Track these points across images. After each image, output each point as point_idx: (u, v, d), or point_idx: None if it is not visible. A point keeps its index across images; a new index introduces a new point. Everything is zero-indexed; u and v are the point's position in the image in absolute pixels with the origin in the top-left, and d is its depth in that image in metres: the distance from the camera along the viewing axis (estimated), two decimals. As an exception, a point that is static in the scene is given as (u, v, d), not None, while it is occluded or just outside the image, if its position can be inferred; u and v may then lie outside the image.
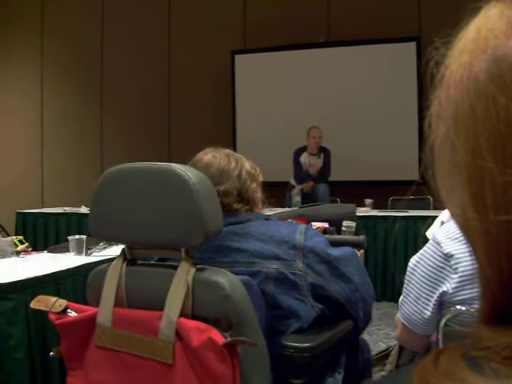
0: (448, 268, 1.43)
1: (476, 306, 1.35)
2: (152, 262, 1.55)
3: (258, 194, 1.66)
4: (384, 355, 2.22)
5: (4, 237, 3.54)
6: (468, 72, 0.35)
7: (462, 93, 0.36)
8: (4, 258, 2.69)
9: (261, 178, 1.71)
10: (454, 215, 0.38)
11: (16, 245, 2.89)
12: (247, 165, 1.65)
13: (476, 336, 0.36)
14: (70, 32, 8.01)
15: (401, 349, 1.98)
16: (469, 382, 0.32)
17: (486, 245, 0.35)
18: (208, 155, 1.62)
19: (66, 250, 2.85)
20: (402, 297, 1.58)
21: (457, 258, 1.40)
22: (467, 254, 1.35)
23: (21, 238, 3.10)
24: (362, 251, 2.00)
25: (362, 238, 1.96)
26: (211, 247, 1.50)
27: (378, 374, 2.18)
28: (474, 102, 0.35)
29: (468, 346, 0.35)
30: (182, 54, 7.60)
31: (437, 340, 1.47)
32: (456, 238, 1.39)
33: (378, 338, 3.92)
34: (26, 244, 3.03)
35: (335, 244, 1.85)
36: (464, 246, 1.37)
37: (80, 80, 8.05)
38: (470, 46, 0.36)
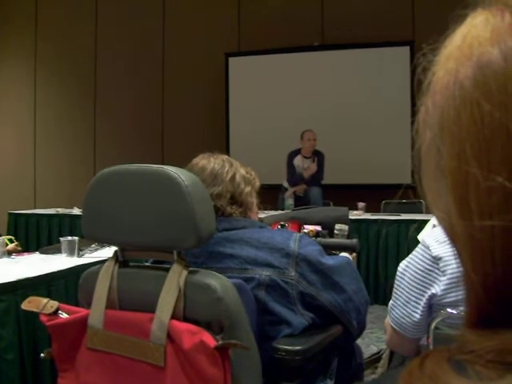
0: (437, 271, 1.44)
1: (463, 308, 1.35)
2: (145, 264, 1.54)
3: (253, 199, 1.66)
4: (375, 358, 2.23)
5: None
6: (454, 78, 0.36)
7: (447, 99, 0.36)
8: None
9: (257, 184, 1.71)
10: (439, 219, 0.38)
11: (7, 244, 2.88)
12: (242, 170, 1.66)
13: (461, 339, 0.36)
14: (64, 35, 7.99)
15: (392, 352, 1.98)
16: None
17: (470, 249, 0.35)
18: (204, 160, 1.64)
19: (58, 251, 2.84)
20: (391, 301, 1.59)
21: (445, 261, 1.41)
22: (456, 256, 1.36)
23: (11, 237, 3.09)
24: (354, 254, 2.01)
25: (354, 241, 1.96)
26: (204, 253, 1.51)
27: (369, 377, 2.18)
28: (459, 107, 0.35)
29: (454, 349, 0.36)
30: (176, 56, 7.59)
31: (427, 343, 1.48)
32: (445, 241, 1.40)
33: (370, 341, 3.92)
34: (16, 243, 3.02)
35: (328, 247, 1.86)
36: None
37: (73, 82, 8.03)
38: (455, 53, 0.37)
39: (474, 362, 0.33)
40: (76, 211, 5.95)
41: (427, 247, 1.45)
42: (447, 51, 0.38)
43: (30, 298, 1.44)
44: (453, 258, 1.38)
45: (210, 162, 1.62)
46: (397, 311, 1.55)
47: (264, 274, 1.48)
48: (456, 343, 0.36)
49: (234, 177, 1.61)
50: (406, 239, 4.93)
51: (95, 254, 2.87)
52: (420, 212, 5.24)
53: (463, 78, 0.35)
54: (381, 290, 5.08)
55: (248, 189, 1.64)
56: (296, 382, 1.50)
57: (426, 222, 1.92)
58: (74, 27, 7.95)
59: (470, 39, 0.36)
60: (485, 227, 0.34)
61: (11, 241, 2.96)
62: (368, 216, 5.45)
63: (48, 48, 8.07)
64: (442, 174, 0.36)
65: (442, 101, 0.37)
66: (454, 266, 1.39)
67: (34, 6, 8.16)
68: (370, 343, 3.86)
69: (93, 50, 7.95)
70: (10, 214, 6.30)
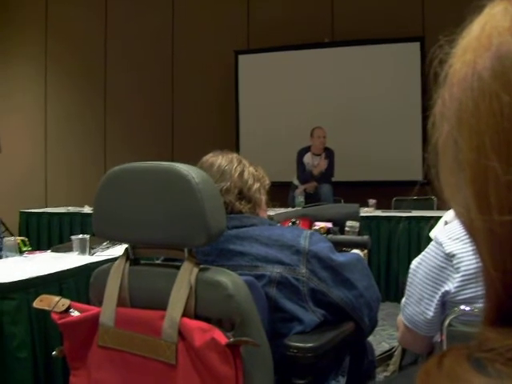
0: (450, 268, 1.43)
1: (478, 304, 1.35)
2: (156, 262, 1.54)
3: (262, 196, 1.66)
4: (387, 356, 2.22)
5: (7, 237, 3.54)
6: (472, 70, 0.35)
7: (465, 91, 0.35)
8: (7, 257, 2.70)
9: (267, 182, 1.71)
10: (458, 214, 0.38)
11: (19, 245, 2.89)
12: (252, 168, 1.66)
13: (481, 337, 0.35)
14: (74, 32, 8.03)
15: (404, 349, 1.97)
16: (472, 383, 0.32)
17: (490, 244, 0.35)
18: (213, 157, 1.65)
19: (69, 249, 2.85)
20: (404, 299, 1.58)
21: (459, 258, 1.40)
22: (469, 253, 1.35)
23: (24, 238, 3.10)
24: (365, 251, 2.00)
25: (365, 238, 1.95)
26: (215, 250, 1.50)
27: (381, 374, 2.18)
28: (477, 99, 0.34)
29: (473, 347, 0.35)
30: (186, 54, 7.60)
31: (441, 341, 1.47)
32: (457, 238, 1.39)
33: (382, 338, 3.91)
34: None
35: (339, 244, 1.85)
36: (466, 245, 1.37)
37: (83, 80, 8.06)
38: (473, 44, 0.36)
39: (494, 360, 0.32)
40: (87, 209, 5.98)
41: (440, 244, 1.44)
42: (465, 42, 0.37)
43: (42, 297, 1.44)
44: (466, 254, 1.38)
45: (219, 158, 1.63)
46: (410, 309, 1.54)
47: (275, 271, 1.47)
48: (475, 341, 0.35)
49: (242, 173, 1.61)
50: (417, 236, 4.91)
51: (106, 252, 2.88)
52: (431, 209, 5.21)
53: (481, 69, 0.34)
54: (392, 287, 5.06)
55: (257, 185, 1.64)
56: (308, 379, 1.49)
57: (439, 218, 1.90)
58: (84, 25, 7.98)
59: (488, 29, 0.35)
60: (505, 222, 0.33)
61: (24, 242, 2.97)
62: (379, 213, 5.43)
63: (58, 46, 8.11)
64: (460, 168, 0.36)
65: (459, 93, 0.36)
66: (468, 262, 1.38)
67: (45, 4, 8.20)
68: (381, 340, 3.85)
69: (103, 48, 7.98)
70: (21, 212, 6.34)
